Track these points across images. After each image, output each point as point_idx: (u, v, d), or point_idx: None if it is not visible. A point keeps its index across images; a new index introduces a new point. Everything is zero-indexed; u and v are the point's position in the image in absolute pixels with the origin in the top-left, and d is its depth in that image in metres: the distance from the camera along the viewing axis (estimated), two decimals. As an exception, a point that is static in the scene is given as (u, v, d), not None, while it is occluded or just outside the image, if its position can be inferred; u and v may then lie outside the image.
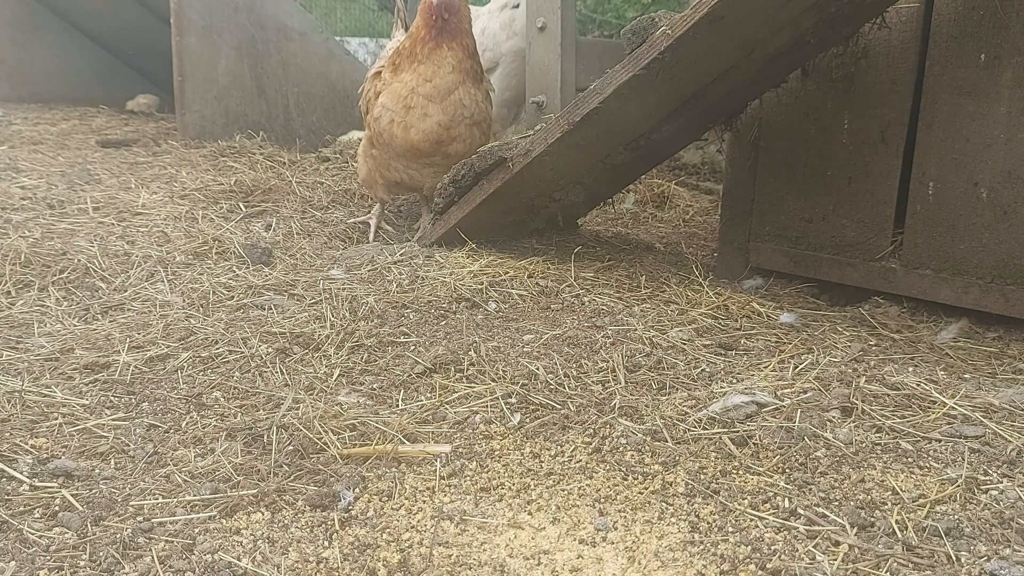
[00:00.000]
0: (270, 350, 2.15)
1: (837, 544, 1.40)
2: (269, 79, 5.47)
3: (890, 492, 1.54)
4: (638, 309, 2.55)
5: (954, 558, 1.35)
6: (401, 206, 4.02)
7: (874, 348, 2.35)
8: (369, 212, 3.59)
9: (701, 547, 1.40)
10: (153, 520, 1.44)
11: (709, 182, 5.11)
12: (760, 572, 1.33)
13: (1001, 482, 1.57)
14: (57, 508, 1.47)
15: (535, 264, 2.88)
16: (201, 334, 2.23)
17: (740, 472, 1.63)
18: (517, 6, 5.09)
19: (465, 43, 3.12)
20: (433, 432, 1.79)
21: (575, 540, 1.42)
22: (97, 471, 1.60)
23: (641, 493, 1.56)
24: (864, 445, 1.70)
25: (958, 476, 1.58)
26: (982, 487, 1.56)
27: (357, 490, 1.55)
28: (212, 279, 2.64)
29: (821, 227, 2.87)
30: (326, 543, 1.40)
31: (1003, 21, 2.39)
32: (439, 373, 2.07)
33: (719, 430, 1.76)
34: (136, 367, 2.04)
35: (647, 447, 1.71)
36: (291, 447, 1.69)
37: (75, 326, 2.28)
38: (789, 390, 1.94)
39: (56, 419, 1.78)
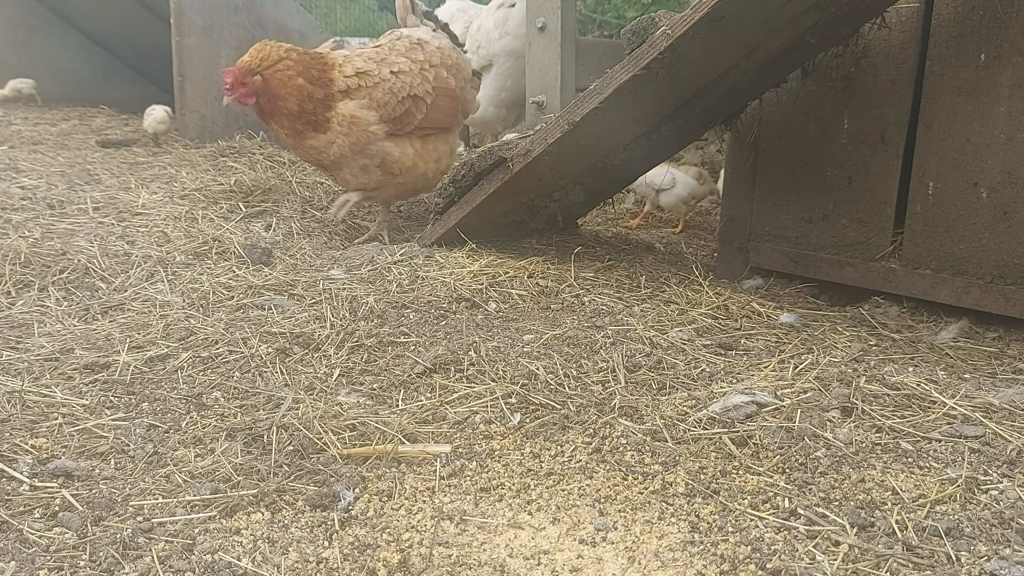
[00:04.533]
0: (270, 350, 2.15)
1: (837, 544, 1.40)
2: (269, 79, 5.45)
3: (890, 492, 1.54)
4: (638, 309, 2.55)
5: (954, 558, 1.36)
6: (401, 206, 4.02)
7: (874, 348, 2.35)
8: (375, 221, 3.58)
9: (701, 547, 1.40)
10: (153, 520, 1.44)
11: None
12: (760, 572, 1.33)
13: (1001, 482, 1.57)
14: (57, 508, 1.47)
15: (535, 264, 2.88)
16: (201, 334, 2.23)
17: (740, 472, 1.63)
18: (513, 5, 5.08)
19: (288, 110, 3.09)
20: (433, 432, 1.79)
21: (575, 540, 1.42)
22: (97, 471, 1.60)
23: (641, 493, 1.56)
24: (864, 445, 1.70)
25: (958, 476, 1.58)
26: (982, 487, 1.56)
27: (357, 490, 1.55)
28: (212, 279, 2.64)
29: (821, 227, 2.87)
30: (326, 543, 1.40)
31: (1003, 21, 2.39)
32: (439, 373, 2.07)
33: (719, 430, 1.76)
34: (136, 367, 2.04)
35: (647, 447, 1.71)
36: (291, 447, 1.69)
37: (75, 326, 2.28)
38: (789, 390, 1.94)
39: (56, 419, 1.78)
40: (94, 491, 1.52)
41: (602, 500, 1.54)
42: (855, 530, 1.43)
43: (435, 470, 1.63)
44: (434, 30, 3.59)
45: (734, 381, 2.02)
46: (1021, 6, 2.36)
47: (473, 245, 3.04)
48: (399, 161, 3.27)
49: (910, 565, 1.34)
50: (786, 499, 1.53)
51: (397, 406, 1.91)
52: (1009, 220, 2.44)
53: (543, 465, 1.66)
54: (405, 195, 3.55)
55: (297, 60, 3.10)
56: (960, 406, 1.87)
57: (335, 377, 2.04)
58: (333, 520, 1.46)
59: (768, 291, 2.94)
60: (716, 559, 1.36)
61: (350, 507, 1.50)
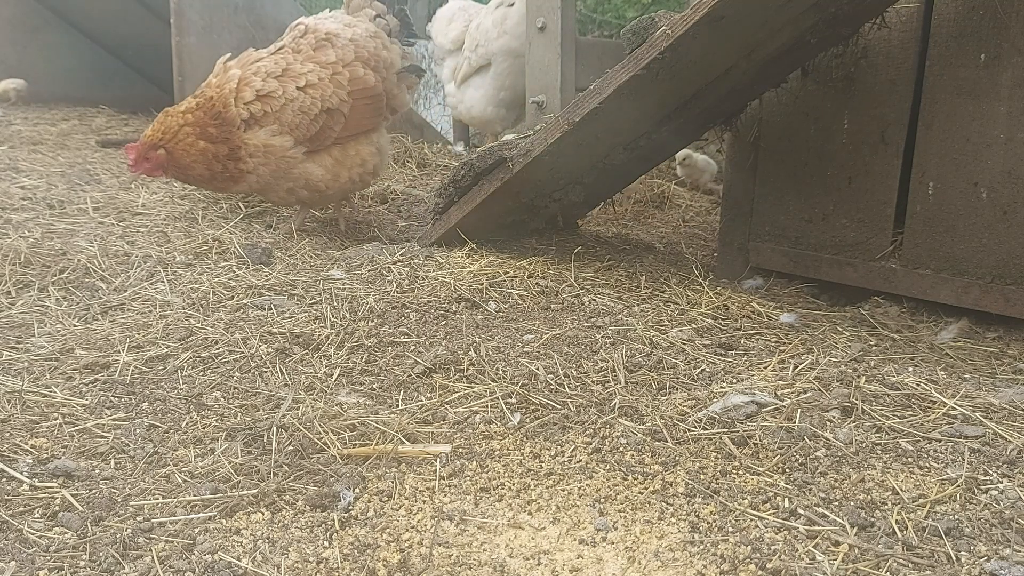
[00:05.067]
0: (270, 350, 2.15)
1: (837, 544, 1.40)
2: (269, 79, 5.45)
3: (890, 492, 1.55)
4: (638, 309, 2.55)
5: (954, 558, 1.36)
6: (401, 206, 4.02)
7: (874, 348, 2.35)
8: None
9: (701, 547, 1.40)
10: (153, 520, 1.44)
11: (709, 182, 5.10)
12: (760, 572, 1.33)
13: (1001, 482, 1.57)
14: (57, 508, 1.47)
15: (535, 264, 2.88)
16: (201, 334, 2.23)
17: (740, 472, 1.63)
18: (511, 4, 5.07)
19: (199, 175, 3.01)
20: (433, 432, 1.79)
21: (575, 540, 1.42)
22: (97, 471, 1.60)
23: (641, 493, 1.56)
24: (864, 445, 1.70)
25: (958, 476, 1.58)
26: (982, 487, 1.56)
27: (357, 490, 1.55)
28: (212, 279, 2.64)
29: (821, 227, 2.87)
30: (326, 543, 1.40)
31: (1003, 21, 2.39)
32: (439, 373, 2.07)
33: (719, 430, 1.76)
34: (136, 367, 2.04)
35: (647, 447, 1.71)
36: (291, 447, 1.69)
37: (75, 326, 2.28)
38: (789, 390, 1.94)
39: (56, 419, 1.78)
40: (94, 491, 1.52)
41: (602, 500, 1.54)
42: (855, 530, 1.43)
43: (435, 470, 1.63)
44: (375, 17, 3.31)
45: (734, 381, 2.02)
46: (1021, 6, 2.36)
47: (473, 245, 3.04)
48: (323, 179, 3.14)
49: (910, 565, 1.34)
50: (786, 499, 1.53)
51: (397, 406, 1.91)
52: (1009, 220, 2.44)
53: (543, 465, 1.66)
54: (337, 199, 3.41)
55: (195, 122, 2.92)
56: (960, 406, 1.87)
57: (335, 377, 2.04)
58: (333, 520, 1.46)
59: (768, 291, 2.94)
60: (716, 559, 1.36)
61: (350, 507, 1.50)
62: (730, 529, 1.45)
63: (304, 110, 2.98)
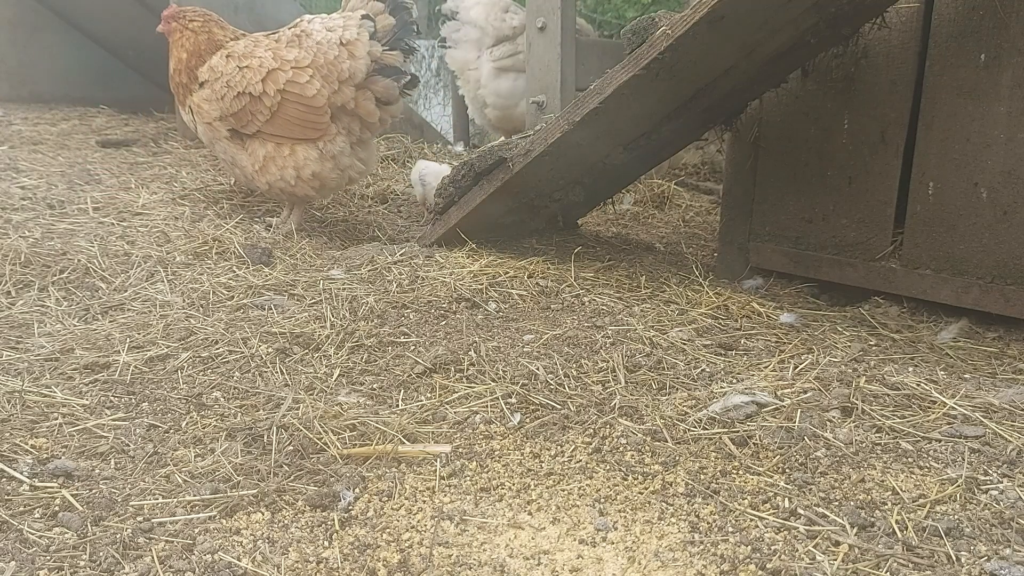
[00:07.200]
0: (270, 350, 2.15)
1: (837, 544, 1.40)
2: (269, 79, 5.44)
3: (890, 492, 1.55)
4: (638, 309, 2.55)
5: (954, 558, 1.36)
6: (401, 206, 4.02)
7: (874, 348, 2.35)
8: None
9: (701, 547, 1.40)
10: (153, 520, 1.44)
11: (709, 182, 5.10)
12: (760, 572, 1.33)
13: (1001, 482, 1.57)
14: (57, 508, 1.47)
15: (535, 264, 2.88)
16: (201, 334, 2.23)
17: (740, 472, 1.63)
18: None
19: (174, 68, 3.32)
20: (433, 432, 1.79)
21: (575, 540, 1.42)
22: (97, 471, 1.60)
23: (641, 493, 1.56)
24: (864, 445, 1.70)
25: (958, 476, 1.58)
26: (982, 487, 1.56)
27: (357, 490, 1.55)
28: (212, 279, 2.64)
29: (821, 227, 2.87)
30: (326, 543, 1.40)
31: (1003, 21, 2.39)
32: (439, 373, 2.07)
33: (719, 430, 1.76)
34: (136, 367, 2.04)
35: (647, 447, 1.71)
36: (291, 447, 1.69)
37: (75, 326, 2.28)
38: (789, 390, 1.94)
39: (56, 419, 1.78)
40: (94, 491, 1.52)
41: (602, 500, 1.54)
42: (855, 530, 1.43)
43: (435, 470, 1.63)
44: (362, 17, 3.11)
45: (734, 381, 2.02)
46: (1021, 6, 2.36)
47: (473, 245, 3.04)
48: (248, 168, 3.19)
49: (910, 565, 1.34)
50: (786, 499, 1.53)
51: (397, 406, 1.91)
52: (1009, 220, 2.44)
53: (543, 465, 1.66)
54: (277, 195, 3.28)
55: (199, 39, 3.25)
56: (960, 406, 1.87)
57: (335, 377, 2.04)
58: (333, 520, 1.46)
59: (768, 291, 2.94)
60: (716, 559, 1.36)
61: (350, 507, 1.50)
62: (730, 529, 1.45)
63: (230, 85, 3.14)
